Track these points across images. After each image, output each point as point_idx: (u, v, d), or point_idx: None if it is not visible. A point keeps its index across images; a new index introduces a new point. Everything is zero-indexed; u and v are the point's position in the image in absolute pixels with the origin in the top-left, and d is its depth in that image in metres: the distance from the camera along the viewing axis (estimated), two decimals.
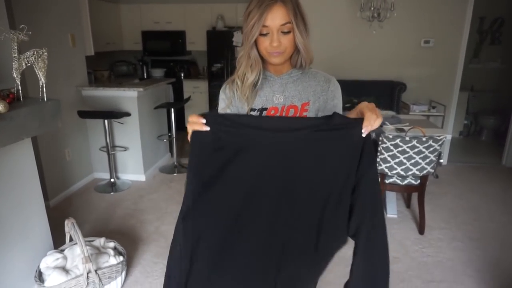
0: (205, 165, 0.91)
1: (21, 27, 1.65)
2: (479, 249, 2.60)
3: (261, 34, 1.01)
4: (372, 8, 3.83)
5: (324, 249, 0.97)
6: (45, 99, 1.82)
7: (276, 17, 0.98)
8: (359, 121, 0.88)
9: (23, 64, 1.70)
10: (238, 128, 0.89)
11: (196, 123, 0.89)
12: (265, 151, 0.89)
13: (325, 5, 4.13)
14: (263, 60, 1.08)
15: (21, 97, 1.77)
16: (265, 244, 0.95)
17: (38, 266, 2.03)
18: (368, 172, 0.91)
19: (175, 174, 4.02)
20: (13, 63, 1.66)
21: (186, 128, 0.96)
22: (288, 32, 1.00)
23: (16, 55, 1.66)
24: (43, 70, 1.76)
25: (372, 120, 0.86)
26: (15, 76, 1.69)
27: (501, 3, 5.19)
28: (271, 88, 1.11)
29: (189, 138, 0.91)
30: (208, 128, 0.89)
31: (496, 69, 5.46)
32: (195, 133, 0.90)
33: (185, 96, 5.30)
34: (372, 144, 0.91)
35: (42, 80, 1.78)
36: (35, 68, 1.74)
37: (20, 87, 1.74)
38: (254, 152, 0.89)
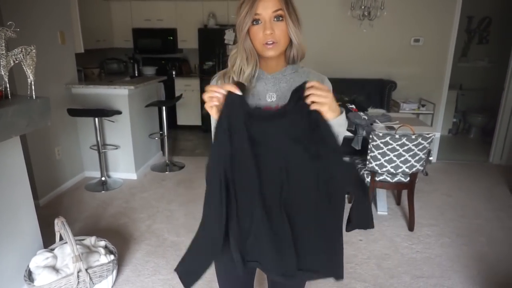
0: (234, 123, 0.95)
1: (8, 23, 1.63)
2: (466, 244, 2.66)
3: (253, 24, 1.01)
4: (363, 7, 3.86)
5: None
6: (34, 96, 1.80)
7: (267, 5, 0.99)
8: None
9: (11, 62, 1.68)
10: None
11: (230, 87, 0.93)
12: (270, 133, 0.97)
13: (316, 4, 4.15)
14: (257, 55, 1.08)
15: (9, 95, 1.75)
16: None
17: (28, 266, 2.01)
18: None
19: (166, 172, 4.01)
20: (1, 60, 1.64)
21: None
22: (281, 20, 1.01)
23: (4, 52, 1.64)
24: (31, 67, 1.74)
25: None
26: (2, 73, 1.67)
27: (489, 2, 5.28)
28: (264, 87, 1.10)
29: (209, 105, 0.96)
30: (240, 92, 0.94)
31: (483, 67, 5.56)
32: (230, 93, 0.93)
33: (177, 94, 5.27)
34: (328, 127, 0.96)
35: (31, 78, 1.76)
36: (23, 66, 1.72)
37: (8, 85, 1.72)
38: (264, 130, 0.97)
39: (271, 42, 1.02)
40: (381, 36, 4.17)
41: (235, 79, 1.08)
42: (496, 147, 4.36)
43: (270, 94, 1.10)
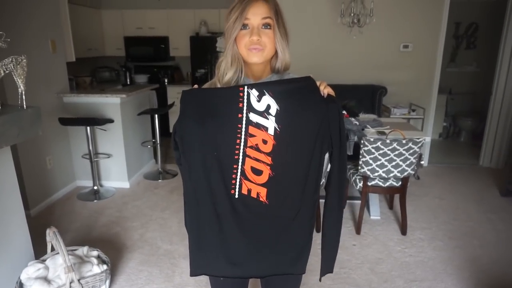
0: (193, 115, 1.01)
1: None
2: (459, 247, 2.68)
3: (241, 29, 1.01)
4: (352, 14, 3.92)
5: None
6: (25, 106, 1.79)
7: (257, 12, 0.99)
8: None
9: (1, 72, 1.67)
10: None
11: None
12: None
13: (306, 11, 4.20)
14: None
15: (0, 105, 1.74)
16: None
17: (19, 277, 1.98)
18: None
19: (159, 180, 3.99)
20: None
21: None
22: (269, 28, 1.01)
23: None
24: (22, 77, 1.73)
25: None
26: None
27: (475, 9, 5.39)
28: None
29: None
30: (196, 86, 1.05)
31: (472, 72, 5.67)
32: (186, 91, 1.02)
33: (169, 102, 5.27)
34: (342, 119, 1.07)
35: (21, 88, 1.75)
36: (14, 76, 1.72)
37: None
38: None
39: (256, 49, 1.02)
40: (370, 43, 4.22)
41: (219, 85, 1.07)
42: (486, 150, 4.43)
43: None
